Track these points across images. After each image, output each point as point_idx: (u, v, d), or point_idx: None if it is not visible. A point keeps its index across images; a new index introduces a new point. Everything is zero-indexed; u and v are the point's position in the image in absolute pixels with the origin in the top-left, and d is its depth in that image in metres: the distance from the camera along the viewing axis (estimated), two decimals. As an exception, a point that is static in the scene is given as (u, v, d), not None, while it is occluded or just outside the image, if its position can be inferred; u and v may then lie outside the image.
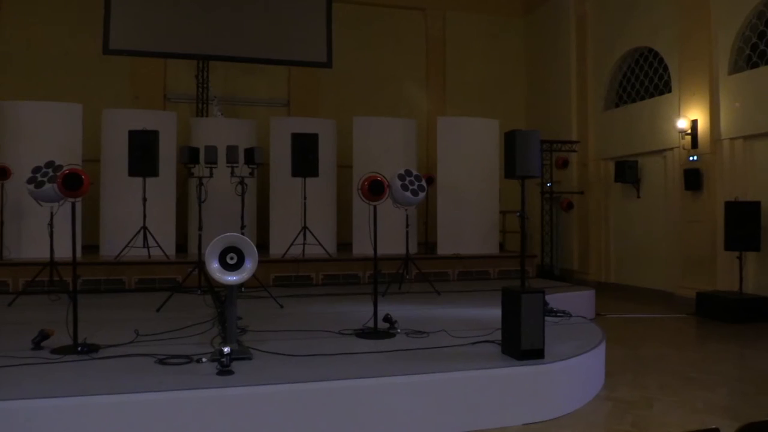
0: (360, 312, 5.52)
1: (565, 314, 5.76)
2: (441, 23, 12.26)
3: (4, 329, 5.20)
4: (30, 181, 5.89)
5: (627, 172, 9.62)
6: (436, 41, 12.25)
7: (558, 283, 8.66)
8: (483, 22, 12.45)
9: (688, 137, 8.50)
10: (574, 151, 10.82)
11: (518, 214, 4.44)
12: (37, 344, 4.26)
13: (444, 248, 8.95)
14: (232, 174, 7.05)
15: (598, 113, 10.71)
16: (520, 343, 4.06)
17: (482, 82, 12.31)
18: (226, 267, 3.95)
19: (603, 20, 10.59)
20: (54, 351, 4.17)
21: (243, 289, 6.54)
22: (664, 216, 9.19)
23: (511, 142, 4.31)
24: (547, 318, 4.34)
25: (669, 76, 9.11)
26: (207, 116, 9.99)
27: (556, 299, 6.67)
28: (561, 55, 11.42)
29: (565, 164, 10.70)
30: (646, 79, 9.73)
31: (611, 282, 10.29)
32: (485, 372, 3.92)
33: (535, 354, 4.09)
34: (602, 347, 4.71)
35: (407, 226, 7.33)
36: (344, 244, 9.28)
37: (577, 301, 7.30)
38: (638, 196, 9.76)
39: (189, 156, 7.11)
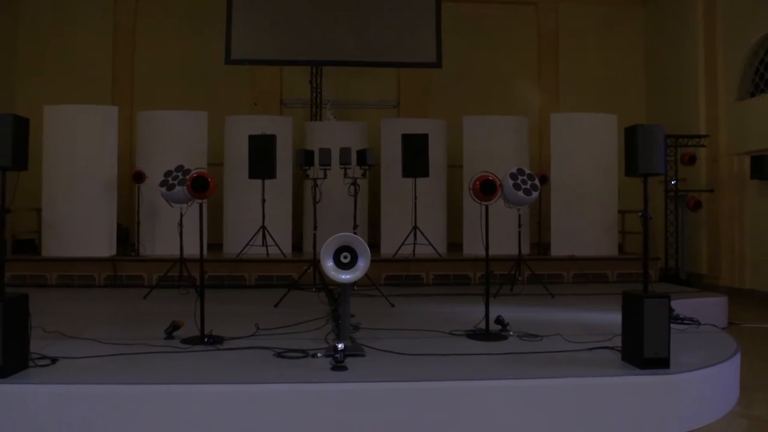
0: (471, 313, 5.45)
1: (693, 322, 5.35)
2: (554, 16, 11.84)
3: (140, 319, 5.69)
4: (162, 184, 6.39)
5: (766, 167, 8.79)
6: (548, 35, 11.85)
7: (684, 288, 8.09)
8: (598, 13, 11.88)
9: (840, 128, 7.62)
10: (703, 146, 10.04)
11: (640, 213, 4.20)
12: (169, 334, 4.61)
13: (558, 249, 8.65)
14: (345, 175, 7.23)
15: (731, 104, 9.87)
16: (643, 351, 3.82)
17: (598, 76, 11.74)
18: (340, 266, 4.05)
19: (735, 3, 9.75)
20: (184, 341, 4.49)
21: (355, 288, 6.68)
22: (809, 216, 8.30)
23: (632, 137, 4.08)
24: (672, 325, 4.06)
25: (815, 61, 8.23)
26: (320, 120, 10.33)
27: (682, 305, 6.21)
28: (686, 43, 10.65)
29: (692, 160, 9.95)
30: (788, 65, 8.85)
31: (746, 288, 9.45)
32: (604, 379, 3.73)
33: (660, 363, 3.82)
34: (736, 359, 4.32)
35: (519, 226, 7.15)
36: (454, 245, 9.22)
37: (706, 307, 6.75)
38: (778, 194, 8.89)
39: (304, 158, 7.37)
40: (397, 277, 8.02)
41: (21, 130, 3.79)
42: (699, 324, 5.32)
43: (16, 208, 4.18)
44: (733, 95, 9.83)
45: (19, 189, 4.35)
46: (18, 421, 3.35)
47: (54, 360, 3.90)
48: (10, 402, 3.38)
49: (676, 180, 10.06)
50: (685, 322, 5.33)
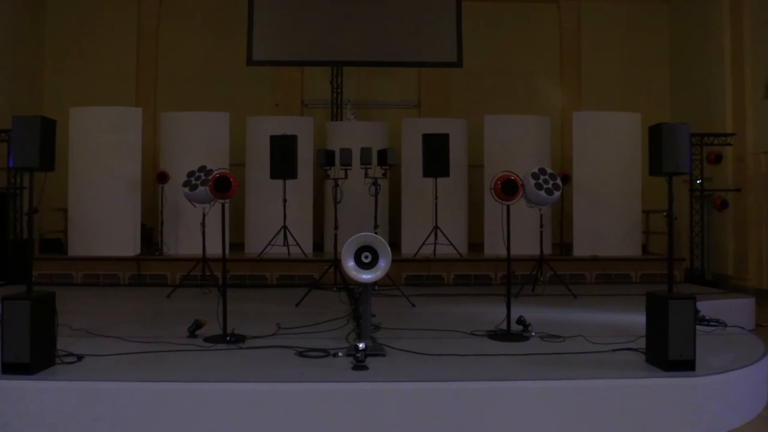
0: (492, 313, 5.43)
1: (719, 323, 5.26)
2: (576, 14, 11.72)
3: (164, 318, 5.76)
4: (185, 184, 6.46)
5: (794, 166, 8.60)
6: (570, 34, 11.73)
7: (710, 289, 7.95)
8: (621, 11, 11.73)
9: None
10: (729, 144, 9.86)
11: (665, 213, 4.14)
12: (192, 333, 4.66)
13: (580, 249, 8.56)
14: (366, 175, 7.23)
15: (758, 102, 9.68)
16: (668, 353, 3.77)
17: (621, 74, 11.59)
18: (361, 265, 4.06)
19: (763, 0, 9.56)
20: (206, 339, 4.54)
21: (376, 288, 6.68)
22: (840, 216, 8.10)
23: (656, 136, 4.03)
24: (698, 327, 3.99)
25: None
26: (341, 120, 10.36)
27: (708, 306, 6.11)
28: (712, 40, 10.47)
29: (718, 159, 9.76)
30: (818, 61, 8.65)
31: (774, 289, 9.26)
32: (627, 381, 3.69)
33: (685, 365, 3.77)
34: (764, 362, 4.23)
35: (541, 226, 7.09)
36: (475, 245, 9.17)
37: (733, 309, 6.62)
38: (808, 194, 8.69)
39: (325, 158, 7.40)
40: (417, 277, 8.01)
41: (48, 132, 3.87)
42: (725, 326, 5.23)
43: (43, 208, 4.27)
44: (761, 93, 9.64)
45: (46, 189, 4.43)
46: (45, 417, 3.42)
47: (80, 357, 3.98)
48: (37, 398, 3.44)
49: (701, 179, 9.90)
50: (711, 323, 5.25)
